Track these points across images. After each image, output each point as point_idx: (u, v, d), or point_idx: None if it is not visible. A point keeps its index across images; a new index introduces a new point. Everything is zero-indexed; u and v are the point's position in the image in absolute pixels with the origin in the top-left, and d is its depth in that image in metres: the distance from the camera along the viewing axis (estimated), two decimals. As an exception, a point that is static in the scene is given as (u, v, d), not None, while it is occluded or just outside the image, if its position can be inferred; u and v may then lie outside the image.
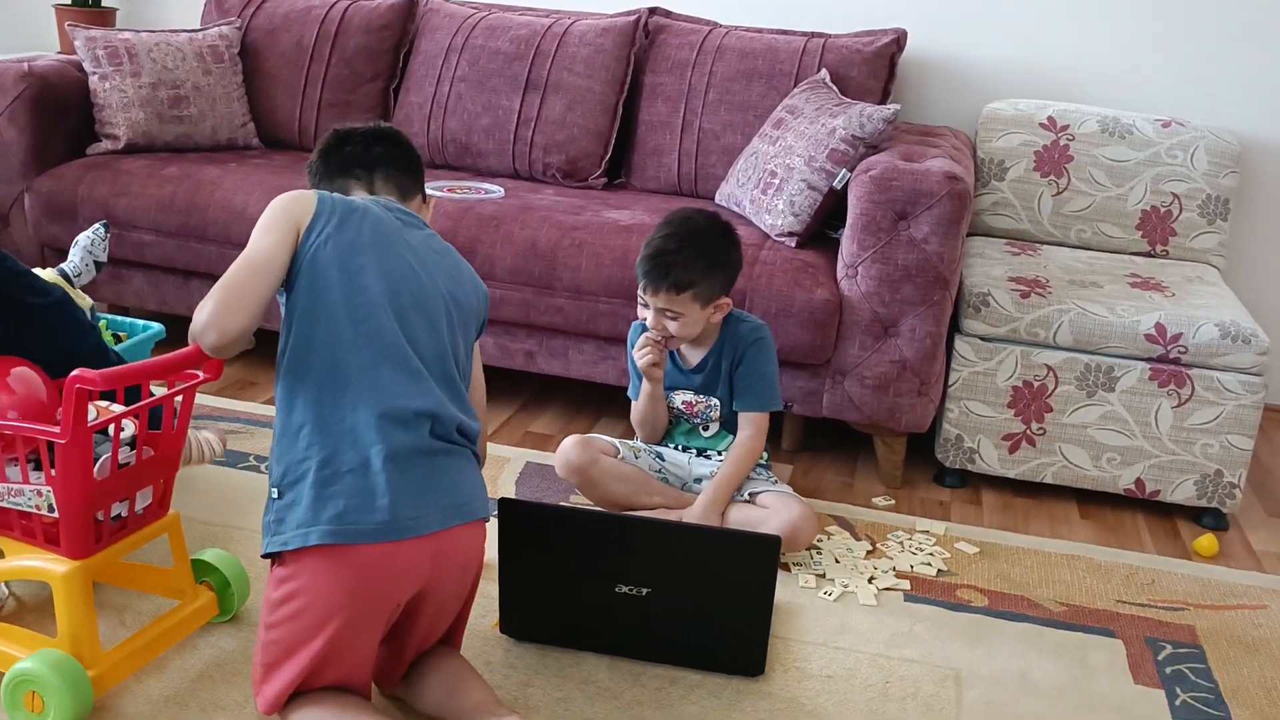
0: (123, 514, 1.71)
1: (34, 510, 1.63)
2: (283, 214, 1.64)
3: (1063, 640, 2.09)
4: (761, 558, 1.81)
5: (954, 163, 2.60)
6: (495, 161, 3.24)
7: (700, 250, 2.23)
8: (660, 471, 2.41)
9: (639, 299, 2.29)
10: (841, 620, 2.10)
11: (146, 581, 1.87)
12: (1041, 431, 2.64)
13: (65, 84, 3.14)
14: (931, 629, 2.09)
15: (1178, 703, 1.93)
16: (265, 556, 1.58)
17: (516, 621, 1.93)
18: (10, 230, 3.10)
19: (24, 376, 1.70)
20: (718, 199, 3.05)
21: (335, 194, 1.73)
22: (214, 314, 1.52)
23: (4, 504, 1.65)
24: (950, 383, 2.68)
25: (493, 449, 2.73)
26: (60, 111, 3.12)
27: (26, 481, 1.63)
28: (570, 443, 2.35)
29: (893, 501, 2.64)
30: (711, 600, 1.85)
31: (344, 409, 1.56)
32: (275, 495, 1.57)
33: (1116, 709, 1.90)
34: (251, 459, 2.53)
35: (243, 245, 1.63)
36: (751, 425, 2.35)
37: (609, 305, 2.68)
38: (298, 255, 1.62)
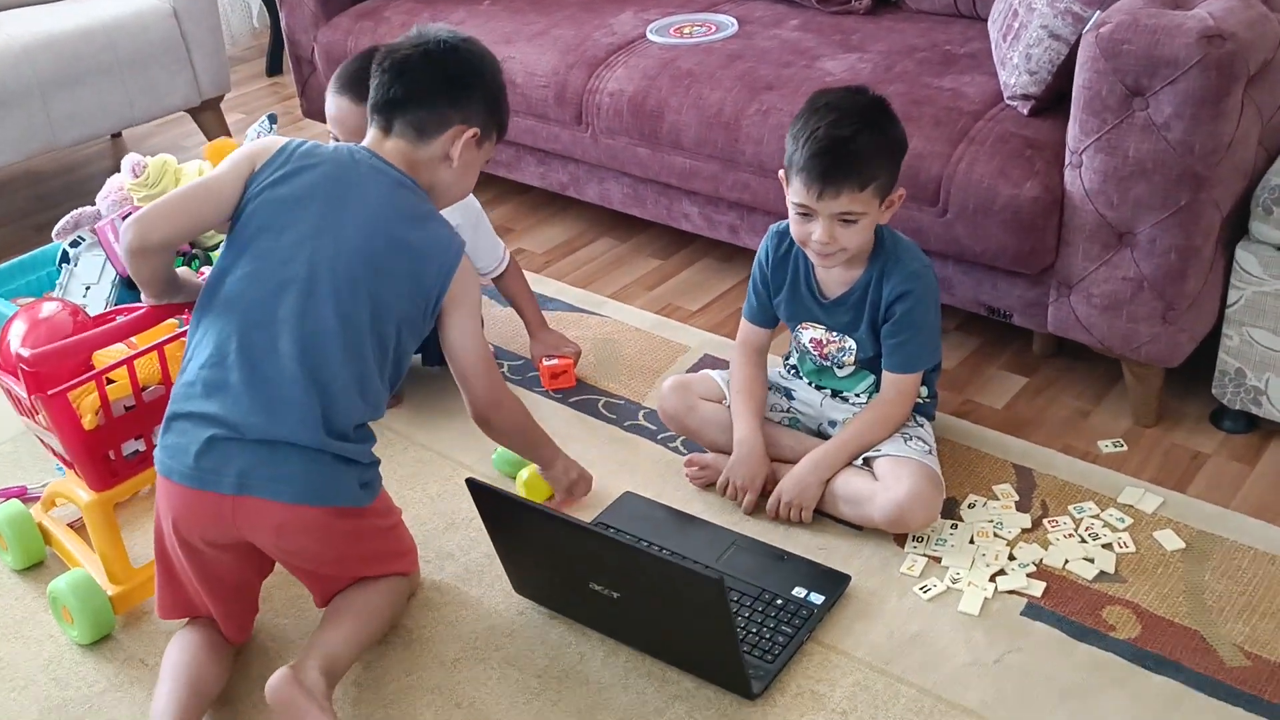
0: (140, 449, 1.82)
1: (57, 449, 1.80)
2: (245, 154, 1.66)
3: (1218, 716, 1.55)
4: (706, 600, 1.49)
5: (1240, 7, 1.82)
6: (754, -20, 2.82)
7: (877, 130, 1.81)
8: (789, 411, 2.07)
9: (793, 206, 1.85)
10: (919, 631, 1.72)
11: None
12: (1351, 383, 1.90)
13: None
14: (1028, 664, 1.65)
15: None
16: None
17: (520, 584, 1.81)
18: (319, 75, 3.28)
19: (52, 319, 1.82)
20: (992, 20, 2.42)
21: (304, 143, 1.68)
22: (143, 216, 1.57)
23: (44, 439, 1.83)
24: (1230, 302, 2.00)
25: (678, 333, 2.49)
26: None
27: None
28: (668, 387, 2.06)
29: (1124, 447, 2.08)
30: (676, 622, 1.60)
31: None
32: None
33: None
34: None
35: None
36: (895, 389, 1.93)
37: (798, 183, 2.28)
38: (243, 198, 1.63)
